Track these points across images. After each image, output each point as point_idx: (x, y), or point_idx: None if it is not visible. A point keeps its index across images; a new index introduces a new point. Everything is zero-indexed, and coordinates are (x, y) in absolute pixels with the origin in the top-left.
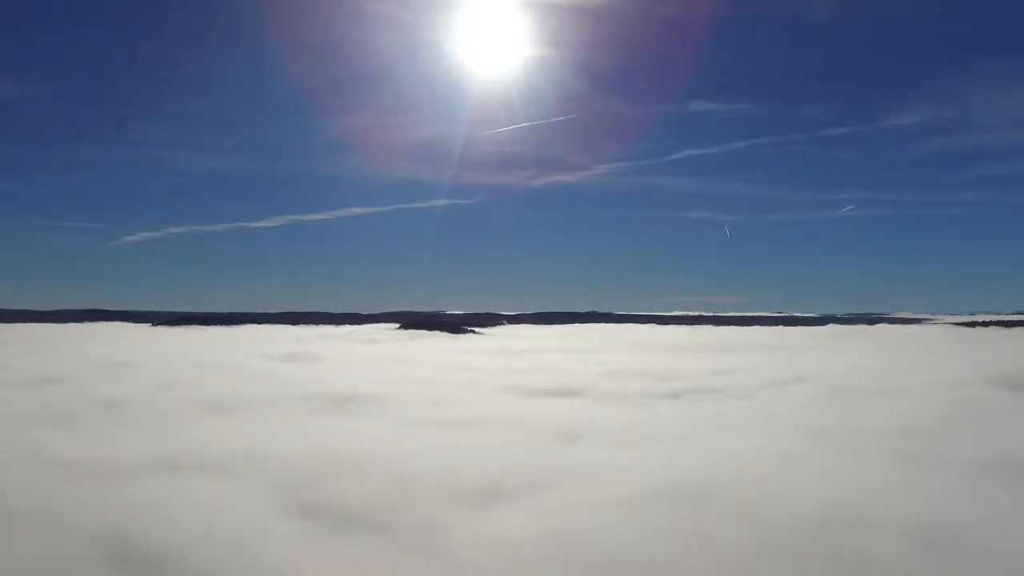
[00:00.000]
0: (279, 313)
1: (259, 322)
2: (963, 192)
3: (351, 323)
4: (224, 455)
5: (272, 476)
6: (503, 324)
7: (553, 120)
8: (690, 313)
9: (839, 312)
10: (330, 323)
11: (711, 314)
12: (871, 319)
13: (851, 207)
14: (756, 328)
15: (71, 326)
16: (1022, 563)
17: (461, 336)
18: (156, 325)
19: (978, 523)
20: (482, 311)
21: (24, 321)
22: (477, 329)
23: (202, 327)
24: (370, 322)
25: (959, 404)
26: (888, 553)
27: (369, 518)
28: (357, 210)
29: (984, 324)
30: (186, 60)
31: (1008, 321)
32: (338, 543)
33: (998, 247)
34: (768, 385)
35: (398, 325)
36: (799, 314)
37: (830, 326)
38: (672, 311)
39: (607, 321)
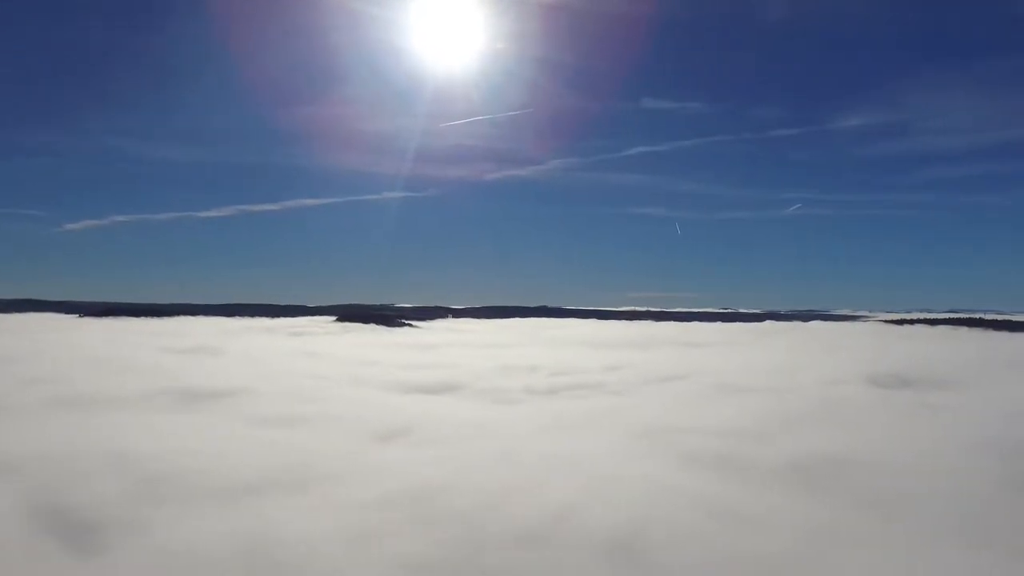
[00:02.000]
0: (221, 305)
1: (196, 314)
2: (906, 194)
3: (293, 315)
4: (14, 455)
5: (36, 476)
6: (448, 318)
7: (509, 114)
8: (637, 309)
9: (783, 309)
10: (271, 315)
11: (657, 310)
12: (808, 316)
13: (798, 206)
14: (695, 324)
15: None
16: (695, 568)
17: (394, 329)
18: (83, 316)
19: (686, 527)
20: (434, 305)
21: None
22: (414, 323)
23: (129, 319)
24: (314, 314)
25: (820, 402)
26: (545, 559)
27: (76, 518)
28: (309, 201)
29: (911, 322)
30: (135, 46)
31: (934, 319)
32: (19, 543)
33: (937, 248)
34: (648, 382)
35: (335, 318)
36: (744, 311)
37: (767, 323)
38: (622, 307)
39: (555, 316)
